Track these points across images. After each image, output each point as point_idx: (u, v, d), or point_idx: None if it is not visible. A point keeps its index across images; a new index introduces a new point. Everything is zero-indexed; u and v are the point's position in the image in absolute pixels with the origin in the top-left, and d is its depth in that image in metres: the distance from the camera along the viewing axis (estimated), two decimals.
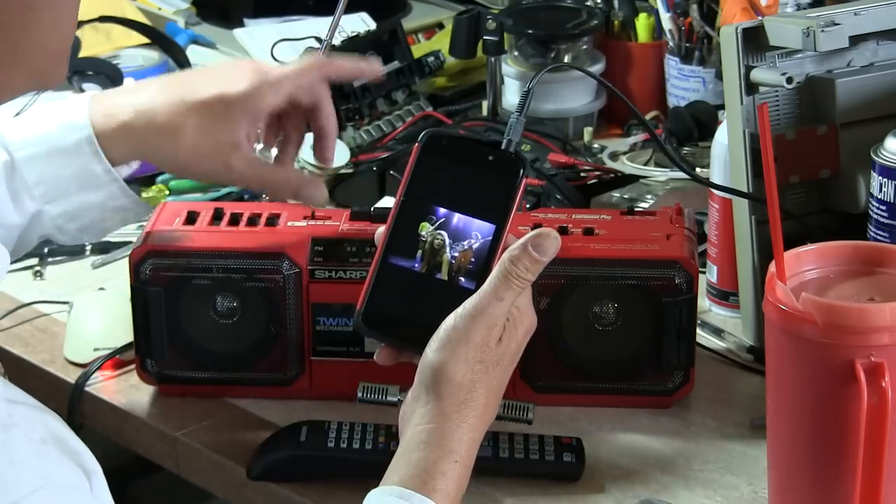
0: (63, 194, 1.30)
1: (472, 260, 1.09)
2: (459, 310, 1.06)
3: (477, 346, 1.05)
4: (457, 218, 1.09)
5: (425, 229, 1.10)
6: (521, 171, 1.09)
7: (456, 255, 1.09)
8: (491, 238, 1.09)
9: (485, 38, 1.91)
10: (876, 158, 1.34)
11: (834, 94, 1.40)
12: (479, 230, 1.09)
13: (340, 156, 1.73)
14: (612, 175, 1.78)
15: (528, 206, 1.56)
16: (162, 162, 1.37)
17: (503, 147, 1.11)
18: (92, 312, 1.52)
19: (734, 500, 1.25)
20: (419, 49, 2.06)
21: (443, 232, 1.09)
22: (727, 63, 1.38)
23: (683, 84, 1.92)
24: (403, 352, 1.11)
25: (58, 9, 0.96)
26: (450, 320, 1.06)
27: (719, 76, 1.82)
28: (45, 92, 1.02)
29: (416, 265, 1.09)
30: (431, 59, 1.98)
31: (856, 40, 1.39)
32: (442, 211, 1.10)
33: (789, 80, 1.35)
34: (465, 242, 1.09)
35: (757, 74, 1.37)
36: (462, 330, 1.05)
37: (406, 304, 1.08)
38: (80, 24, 2.06)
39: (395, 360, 1.11)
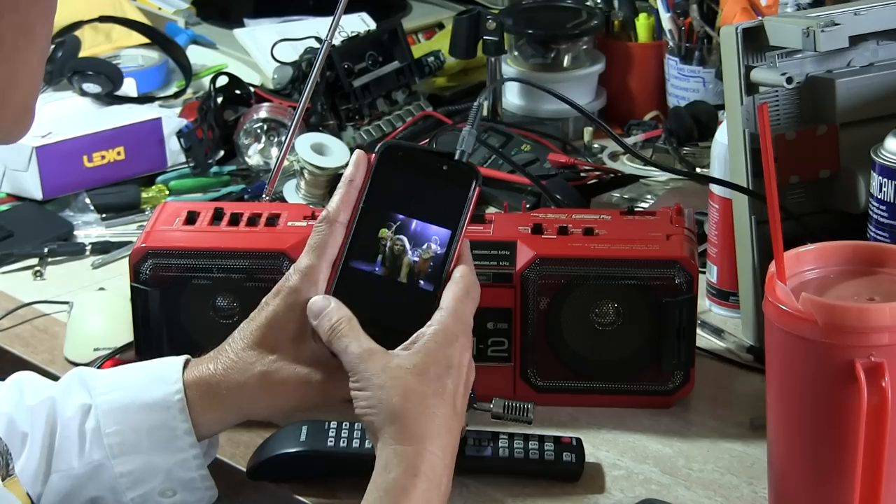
0: (134, 449, 1.18)
1: (431, 264, 1.12)
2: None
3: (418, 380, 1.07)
4: (414, 224, 1.13)
5: (385, 234, 1.13)
6: (475, 181, 1.13)
7: (416, 259, 1.12)
8: (447, 243, 1.12)
9: (485, 38, 1.92)
10: (876, 158, 1.34)
11: (834, 94, 1.40)
12: (436, 235, 1.12)
13: (340, 156, 1.73)
14: (612, 175, 1.78)
15: (528, 206, 1.56)
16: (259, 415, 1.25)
17: (456, 158, 1.15)
18: (92, 312, 1.52)
19: (734, 500, 1.25)
20: (419, 49, 2.07)
21: (402, 237, 1.12)
22: (727, 63, 1.38)
23: (683, 84, 1.92)
24: None
25: (17, 62, 0.92)
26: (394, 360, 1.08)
27: (719, 76, 1.82)
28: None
29: (377, 269, 1.12)
30: (431, 59, 1.98)
31: (856, 40, 1.39)
32: (400, 217, 1.13)
33: (789, 80, 1.35)
34: (424, 246, 1.12)
35: (757, 74, 1.37)
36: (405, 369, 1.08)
37: (367, 306, 1.11)
38: (80, 24, 2.06)
39: None
